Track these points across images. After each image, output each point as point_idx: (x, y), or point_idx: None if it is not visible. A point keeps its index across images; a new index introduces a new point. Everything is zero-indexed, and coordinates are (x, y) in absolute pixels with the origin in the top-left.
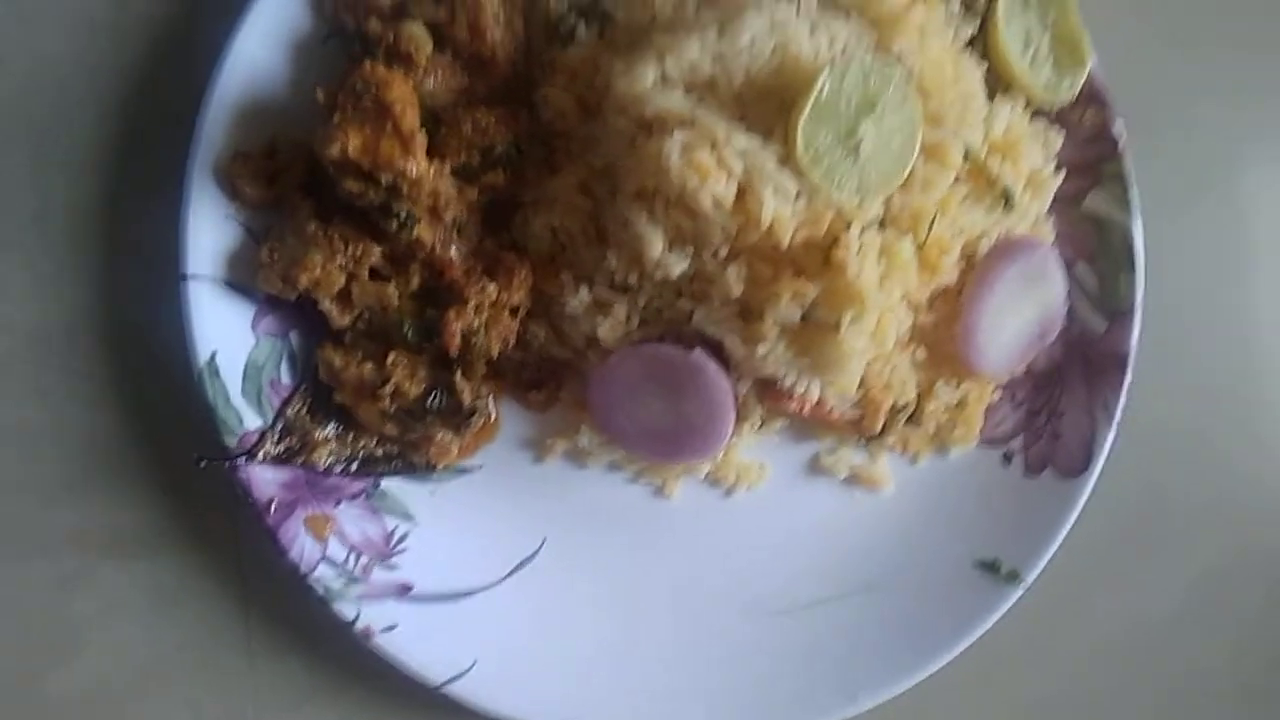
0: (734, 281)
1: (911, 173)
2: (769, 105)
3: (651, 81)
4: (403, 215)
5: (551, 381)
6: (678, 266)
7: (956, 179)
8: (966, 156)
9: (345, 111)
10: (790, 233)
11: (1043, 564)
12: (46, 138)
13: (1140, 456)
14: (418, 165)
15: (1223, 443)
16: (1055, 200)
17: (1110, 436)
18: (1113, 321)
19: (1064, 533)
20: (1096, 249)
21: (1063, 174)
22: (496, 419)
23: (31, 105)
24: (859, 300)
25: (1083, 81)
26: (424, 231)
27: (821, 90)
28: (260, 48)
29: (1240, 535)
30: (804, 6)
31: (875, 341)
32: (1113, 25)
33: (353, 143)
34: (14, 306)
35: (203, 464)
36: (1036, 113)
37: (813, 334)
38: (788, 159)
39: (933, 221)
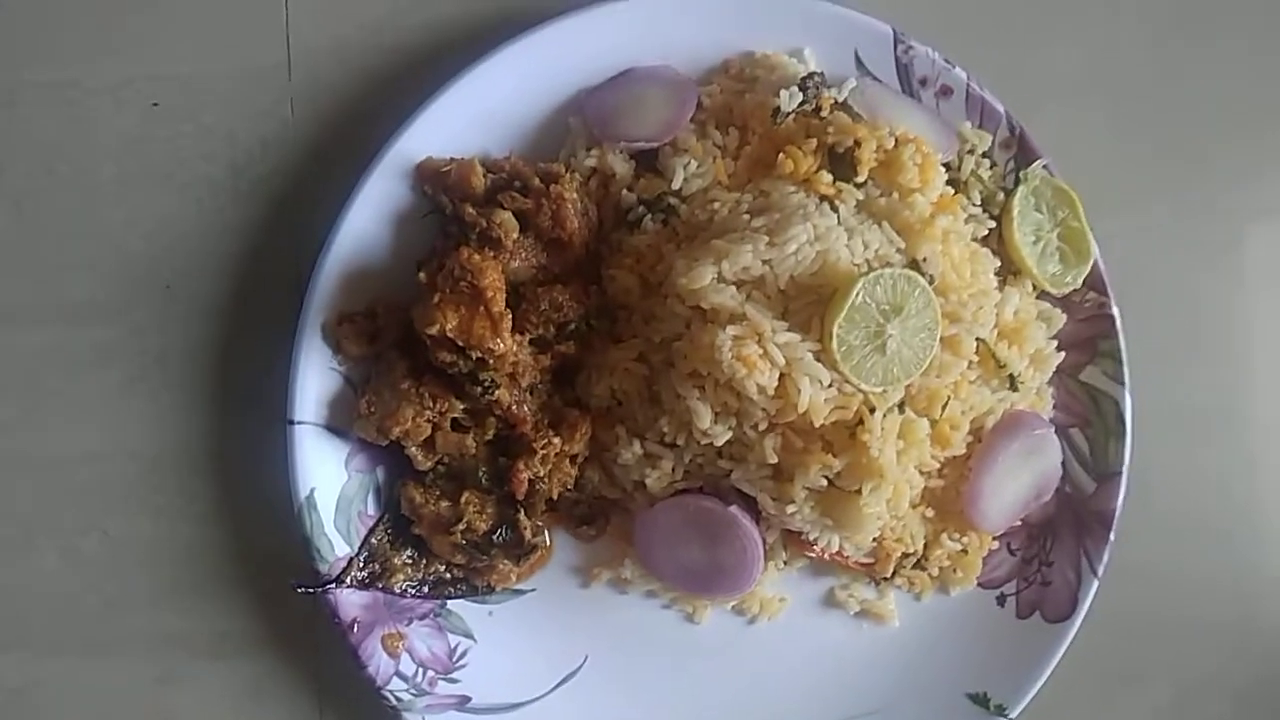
0: (770, 450)
1: (930, 363)
2: (808, 302)
3: (709, 279)
4: (487, 383)
5: (601, 518)
6: (722, 436)
7: (969, 365)
8: (978, 345)
9: (444, 293)
10: (823, 415)
11: (1027, 700)
12: (174, 287)
13: (1116, 599)
14: (504, 344)
15: (1193, 587)
16: (1055, 372)
17: (1094, 588)
18: (1101, 483)
19: (1048, 673)
20: (1090, 416)
21: (1063, 354)
22: (551, 548)
23: (162, 258)
24: (879, 474)
25: (1086, 273)
26: (503, 394)
27: (856, 297)
28: (367, 221)
29: (1202, 670)
30: (843, 216)
31: (891, 506)
32: (1110, 217)
33: (450, 323)
34: (139, 434)
35: (300, 590)
36: (1042, 295)
37: (836, 498)
38: (823, 353)
39: (946, 403)
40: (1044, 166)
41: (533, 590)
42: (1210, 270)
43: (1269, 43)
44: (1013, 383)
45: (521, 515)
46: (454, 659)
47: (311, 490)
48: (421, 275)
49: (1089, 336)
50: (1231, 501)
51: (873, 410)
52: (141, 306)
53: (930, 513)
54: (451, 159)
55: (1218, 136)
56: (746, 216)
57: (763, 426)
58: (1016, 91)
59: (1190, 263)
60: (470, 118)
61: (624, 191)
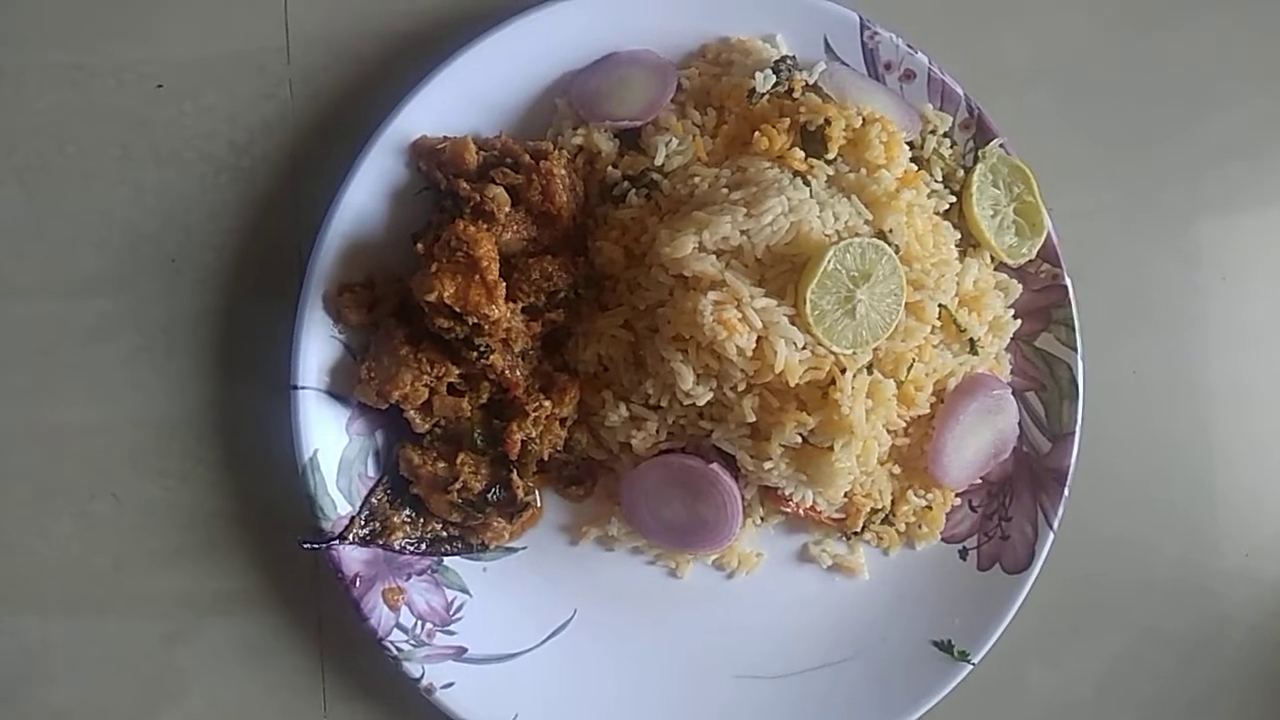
0: (748, 410)
1: (895, 327)
2: (783, 270)
3: (690, 249)
4: (482, 347)
5: (589, 479)
6: (704, 397)
7: (932, 330)
8: (940, 311)
9: (441, 262)
10: (798, 375)
11: (988, 646)
12: (178, 261)
13: (1071, 554)
14: (498, 310)
15: (1140, 546)
16: (1012, 339)
17: (1050, 540)
18: (1056, 442)
19: (1007, 620)
20: (1045, 380)
21: (1019, 321)
22: (541, 508)
23: (167, 233)
24: (849, 430)
25: (1040, 245)
26: (496, 359)
27: (828, 264)
28: (365, 196)
29: (1150, 621)
30: (815, 190)
31: (861, 462)
32: (1064, 195)
33: (447, 290)
34: (147, 402)
35: (306, 546)
36: (1000, 266)
37: (810, 454)
38: (797, 317)
39: (911, 365)
40: (1000, 145)
41: (524, 548)
42: (1158, 245)
43: (1221, 35)
44: (973, 347)
45: (515, 475)
46: (451, 612)
47: (315, 452)
48: (419, 246)
49: (1044, 305)
50: (1179, 463)
51: (844, 371)
52: (148, 280)
53: (897, 470)
54: (445, 137)
55: (1168, 123)
56: (725, 190)
57: (741, 387)
58: (975, 75)
59: (1140, 238)
60: (463, 98)
61: (609, 168)
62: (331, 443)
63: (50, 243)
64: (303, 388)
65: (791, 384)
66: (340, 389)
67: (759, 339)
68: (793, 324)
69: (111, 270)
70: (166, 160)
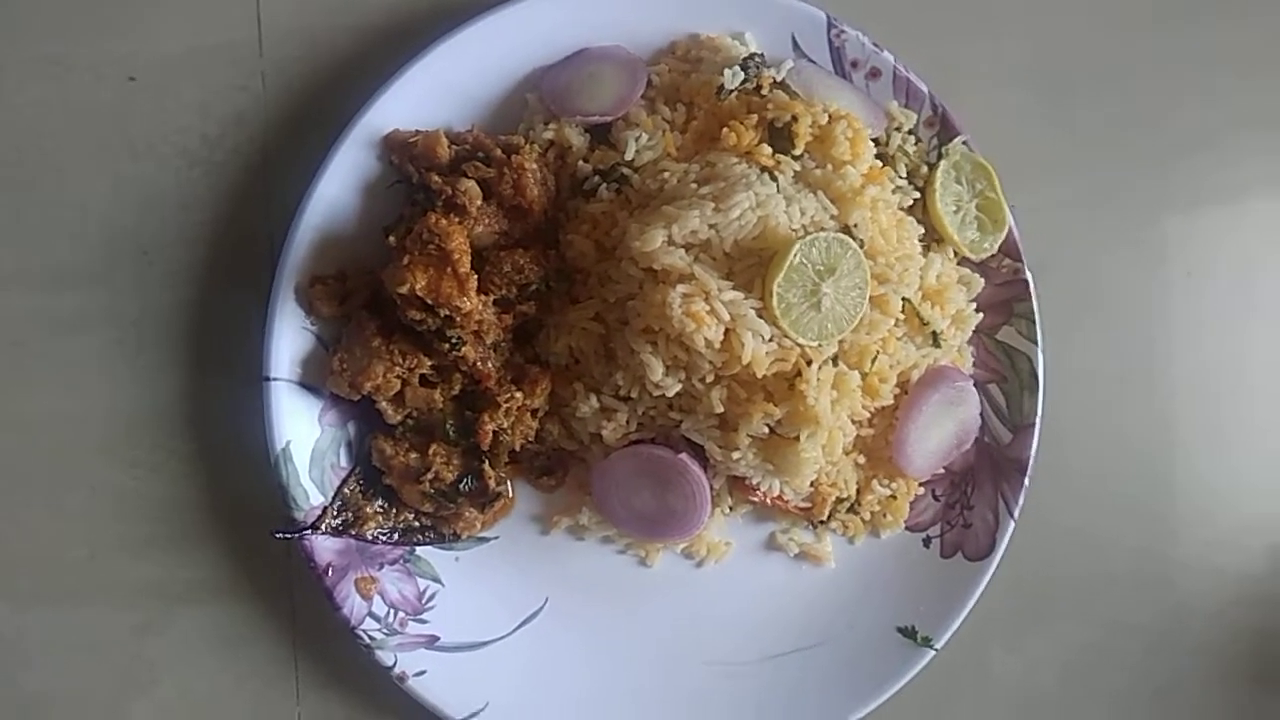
0: (716, 401)
1: (860, 320)
2: (751, 263)
3: (660, 242)
4: (454, 339)
5: (560, 469)
6: (673, 388)
7: (895, 323)
8: (904, 305)
9: (413, 255)
10: (765, 367)
11: (951, 632)
12: (151, 253)
13: (1034, 544)
14: (470, 302)
15: (1101, 536)
16: (975, 332)
17: (1010, 528)
18: (1016, 433)
19: (969, 606)
20: (1006, 373)
21: (981, 315)
22: (513, 498)
23: (140, 226)
24: (815, 421)
25: (1001, 240)
26: (468, 350)
27: (794, 258)
28: (337, 189)
29: (1112, 611)
30: (781, 185)
31: (826, 452)
32: (1025, 192)
33: (419, 282)
34: (120, 393)
35: (278, 536)
36: (962, 261)
37: (777, 444)
38: (764, 310)
39: (875, 357)
40: (964, 143)
41: (496, 538)
42: (1122, 240)
43: (1187, 29)
44: (935, 340)
45: (486, 465)
46: (423, 601)
47: (287, 443)
48: (391, 239)
49: (1005, 299)
50: (1139, 456)
51: (809, 363)
52: (120, 272)
53: (862, 459)
54: (418, 131)
55: (1132, 117)
56: (694, 185)
57: (710, 379)
58: (940, 73)
59: (1103, 232)
60: (435, 92)
61: (580, 162)
62: (304, 434)
63: (23, 234)
64: (275, 379)
65: (759, 375)
66: (312, 380)
67: (727, 331)
68: (760, 316)
69: (85, 262)
70: (142, 153)
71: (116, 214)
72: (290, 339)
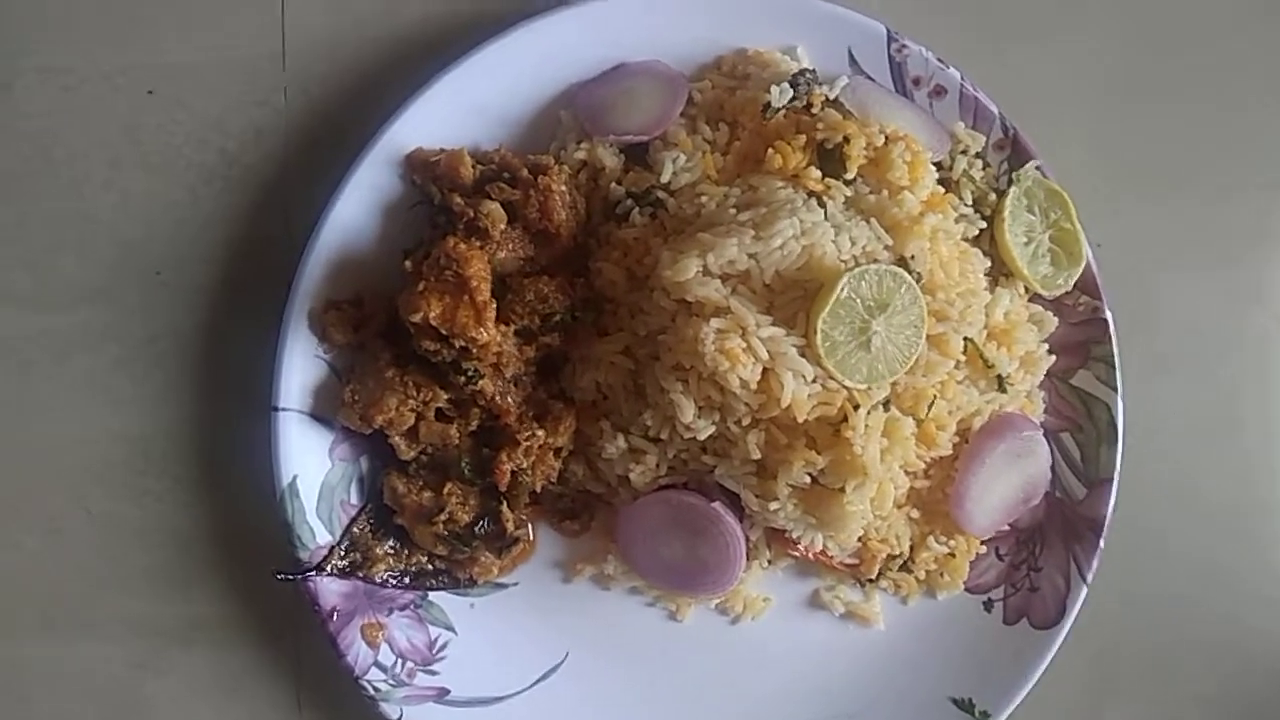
0: (753, 446)
1: (915, 361)
2: (794, 297)
3: (694, 272)
4: (470, 372)
5: (585, 513)
6: (705, 431)
7: (956, 365)
8: (966, 345)
9: (429, 281)
10: (806, 410)
11: (1012, 707)
12: (163, 272)
13: (1107, 612)
14: (487, 333)
15: (1182, 604)
16: (1047, 376)
17: (1083, 594)
18: (1091, 489)
19: (1034, 680)
20: (1082, 421)
21: (1054, 357)
22: (533, 542)
23: (151, 243)
24: (862, 471)
25: (1078, 275)
26: (486, 384)
27: (841, 292)
28: (356, 210)
29: (1193, 686)
30: (830, 212)
31: (875, 505)
32: (1105, 223)
33: (434, 311)
34: (126, 417)
35: (280, 577)
36: (1034, 298)
37: (820, 495)
38: (808, 348)
39: (932, 402)
40: (1037, 168)
41: (515, 584)
42: (1208, 279)
43: (1273, 50)
44: (1001, 384)
45: (504, 507)
46: (434, 650)
47: (294, 477)
48: (407, 264)
49: (1081, 340)
50: (1222, 513)
51: (857, 407)
52: (131, 291)
53: (916, 514)
54: (441, 149)
55: (1221, 151)
56: (734, 210)
57: (746, 421)
58: (1010, 93)
59: (1188, 270)
60: (462, 110)
61: (612, 185)
62: (313, 468)
63: (33, 250)
64: (284, 409)
65: (800, 420)
66: (324, 411)
67: (765, 370)
68: (802, 355)
69: (95, 281)
70: (156, 168)
71: (129, 231)
72: (301, 367)
